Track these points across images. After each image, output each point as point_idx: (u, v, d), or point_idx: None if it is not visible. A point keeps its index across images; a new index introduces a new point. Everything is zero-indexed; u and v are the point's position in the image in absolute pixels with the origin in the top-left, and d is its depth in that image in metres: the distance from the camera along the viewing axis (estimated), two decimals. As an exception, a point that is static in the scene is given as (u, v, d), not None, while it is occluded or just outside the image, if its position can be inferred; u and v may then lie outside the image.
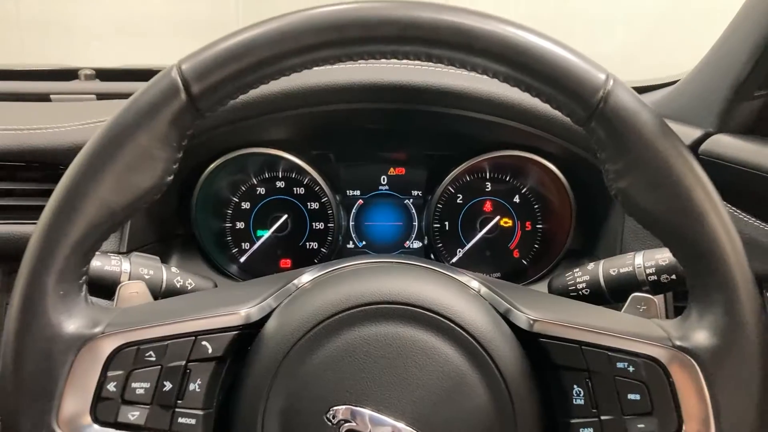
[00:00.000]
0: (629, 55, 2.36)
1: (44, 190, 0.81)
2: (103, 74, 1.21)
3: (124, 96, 1.03)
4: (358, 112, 0.85)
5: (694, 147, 0.88)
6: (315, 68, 0.54)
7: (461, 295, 0.57)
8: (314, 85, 0.82)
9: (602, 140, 0.54)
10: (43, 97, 1.11)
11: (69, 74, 1.21)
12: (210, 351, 0.55)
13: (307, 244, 0.98)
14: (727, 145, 0.85)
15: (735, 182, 0.83)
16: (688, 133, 0.89)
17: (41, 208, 0.77)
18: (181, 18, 2.72)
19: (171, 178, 0.56)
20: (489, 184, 0.97)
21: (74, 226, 0.52)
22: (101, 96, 1.11)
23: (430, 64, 0.78)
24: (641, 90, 1.04)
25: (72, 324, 0.53)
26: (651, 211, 0.54)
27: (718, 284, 0.52)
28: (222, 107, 0.55)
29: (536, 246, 0.97)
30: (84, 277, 0.55)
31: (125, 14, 2.69)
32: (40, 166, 0.82)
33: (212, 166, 0.91)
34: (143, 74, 1.19)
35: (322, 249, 0.98)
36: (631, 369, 0.53)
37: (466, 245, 0.97)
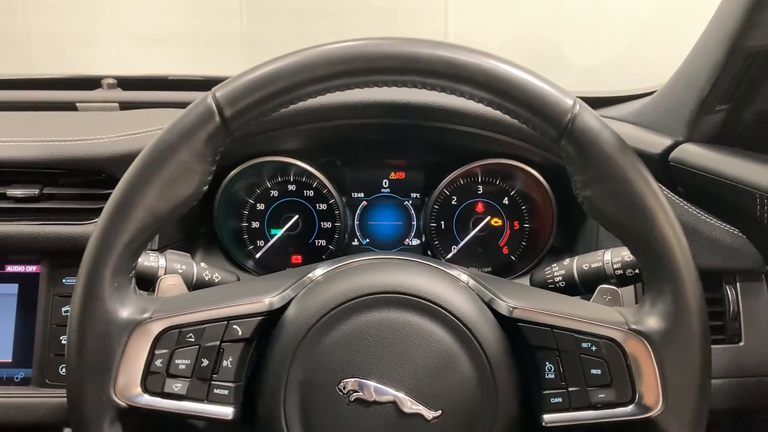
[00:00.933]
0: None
1: (84, 195, 0.91)
2: (124, 83, 1.29)
3: (146, 105, 1.13)
4: (363, 126, 0.95)
5: (665, 154, 0.98)
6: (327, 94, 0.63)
7: (452, 286, 0.67)
8: (326, 104, 0.91)
9: (570, 156, 0.63)
10: (70, 106, 1.19)
11: (92, 83, 1.29)
12: (240, 333, 0.64)
13: (316, 241, 1.08)
14: (694, 153, 0.95)
15: (701, 187, 0.93)
16: (660, 142, 0.98)
17: (81, 210, 0.89)
18: (187, 31, 2.77)
19: (206, 187, 0.66)
20: (481, 187, 1.06)
21: (126, 229, 0.62)
22: (124, 105, 1.19)
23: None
24: (618, 100, 1.14)
25: (125, 311, 0.63)
26: (611, 215, 0.63)
27: (667, 277, 0.62)
28: (249, 127, 0.65)
29: (524, 243, 1.07)
30: (133, 272, 0.65)
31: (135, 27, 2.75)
32: (80, 174, 0.91)
33: (233, 172, 1.01)
34: (162, 83, 1.29)
35: (330, 246, 1.08)
36: (593, 348, 0.63)
37: (460, 242, 1.07)
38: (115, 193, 0.63)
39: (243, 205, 1.06)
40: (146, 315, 0.64)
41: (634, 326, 0.63)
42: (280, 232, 1.07)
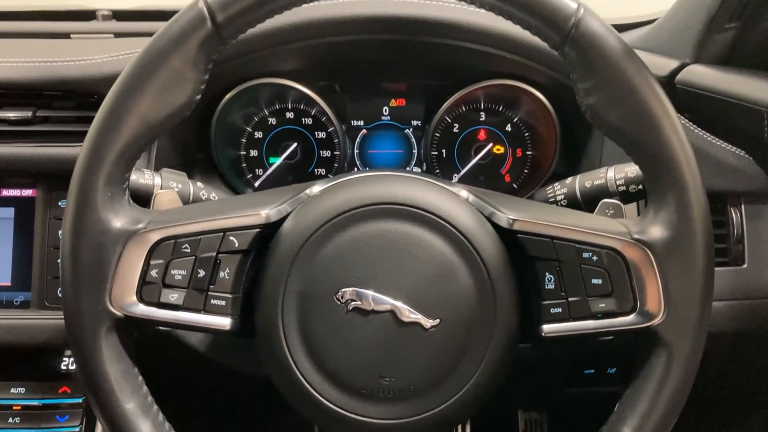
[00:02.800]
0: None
1: (78, 117, 0.89)
2: (120, 15, 1.27)
3: (143, 34, 1.11)
4: (361, 43, 0.92)
5: (671, 77, 0.95)
6: (320, 1, 0.61)
7: (451, 198, 0.66)
8: (320, 18, 0.88)
9: (574, 62, 0.61)
10: (63, 36, 1.17)
11: (86, 15, 1.26)
12: (236, 245, 0.64)
13: (315, 170, 1.07)
14: (701, 74, 0.92)
15: (707, 110, 0.91)
16: (666, 64, 0.96)
17: (76, 133, 0.87)
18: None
19: (199, 97, 0.64)
20: (483, 114, 1.04)
21: (119, 136, 0.61)
22: (119, 35, 1.16)
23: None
24: (622, 28, 1.11)
25: (119, 221, 0.62)
26: (615, 123, 0.62)
27: (672, 185, 0.61)
28: (242, 34, 0.63)
29: (526, 171, 1.05)
30: (127, 182, 0.64)
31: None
32: (74, 96, 0.90)
33: (228, 96, 0.98)
34: (159, 15, 1.26)
35: (329, 175, 1.07)
36: (594, 258, 0.63)
37: (461, 171, 1.05)
38: (107, 100, 0.61)
39: (240, 133, 1.05)
40: (141, 225, 0.63)
41: (636, 236, 0.62)
42: (278, 161, 1.05)
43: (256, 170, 1.06)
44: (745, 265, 0.88)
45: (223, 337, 0.82)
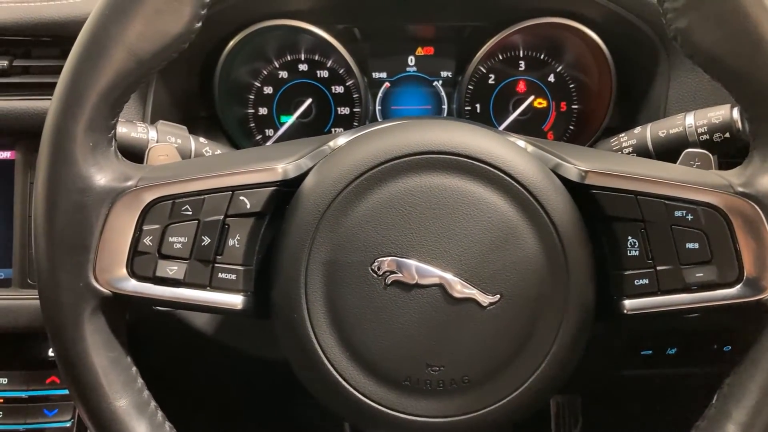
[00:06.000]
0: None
1: (61, 67, 0.78)
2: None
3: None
4: None
5: None
6: None
7: (509, 147, 0.54)
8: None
9: None
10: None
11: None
12: (248, 206, 0.53)
13: (333, 130, 0.95)
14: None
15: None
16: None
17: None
18: None
19: (199, 25, 0.53)
20: (523, 63, 0.92)
21: (101, 73, 0.49)
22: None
23: None
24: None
25: (103, 177, 0.51)
26: (712, 49, 0.50)
27: None
28: None
29: (571, 127, 0.93)
30: (113, 131, 0.52)
31: None
32: (56, 42, 0.78)
33: (233, 41, 0.86)
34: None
35: (350, 134, 0.95)
36: (689, 217, 0.51)
37: (498, 128, 0.93)
38: (86, 27, 0.50)
39: (248, 89, 0.93)
40: (131, 183, 0.52)
41: (741, 188, 0.51)
42: (290, 119, 0.94)
43: (266, 130, 0.95)
44: None
45: (235, 318, 0.71)
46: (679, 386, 0.98)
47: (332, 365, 0.51)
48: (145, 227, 0.51)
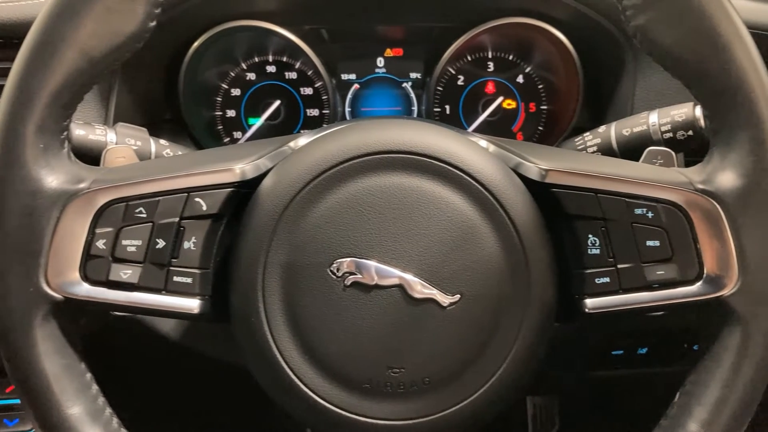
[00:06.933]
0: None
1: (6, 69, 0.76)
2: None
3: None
4: None
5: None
6: None
7: (469, 146, 0.53)
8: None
9: None
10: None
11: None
12: (204, 208, 0.51)
13: (302, 132, 0.94)
14: (744, 8, 0.81)
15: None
16: None
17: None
18: None
19: (153, 24, 0.52)
20: (491, 64, 0.91)
21: (52, 73, 0.48)
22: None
23: None
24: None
25: (54, 179, 0.49)
26: (671, 47, 0.50)
27: (743, 121, 0.49)
28: None
29: (541, 128, 0.93)
30: (65, 133, 0.51)
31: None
32: (5, 44, 0.76)
33: (197, 42, 0.85)
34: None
35: (318, 136, 0.94)
36: (650, 215, 0.51)
37: (467, 129, 0.93)
38: (36, 26, 0.49)
39: (215, 91, 0.92)
40: (83, 185, 0.50)
41: (701, 186, 0.50)
42: (259, 122, 0.93)
43: (234, 133, 0.93)
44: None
45: (194, 323, 0.70)
46: (653, 385, 0.98)
47: (291, 369, 0.50)
48: (98, 230, 0.50)
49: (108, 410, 0.52)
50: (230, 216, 0.53)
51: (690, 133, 0.65)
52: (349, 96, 0.94)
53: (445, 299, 0.50)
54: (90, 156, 0.64)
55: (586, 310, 0.51)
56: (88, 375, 0.52)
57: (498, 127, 0.93)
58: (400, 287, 0.50)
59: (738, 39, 0.48)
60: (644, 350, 0.89)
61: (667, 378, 0.92)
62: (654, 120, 0.67)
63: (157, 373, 0.91)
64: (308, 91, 0.92)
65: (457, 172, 0.51)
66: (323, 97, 0.92)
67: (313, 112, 0.93)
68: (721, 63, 0.49)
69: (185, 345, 0.78)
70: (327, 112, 0.92)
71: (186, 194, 0.51)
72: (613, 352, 0.89)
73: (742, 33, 0.49)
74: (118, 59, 0.51)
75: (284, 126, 0.93)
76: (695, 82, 0.51)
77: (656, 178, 0.52)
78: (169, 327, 0.78)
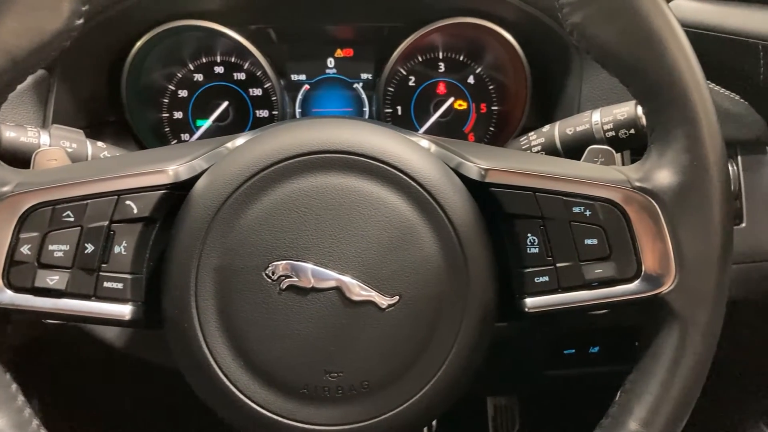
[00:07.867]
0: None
1: None
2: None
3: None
4: None
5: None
6: None
7: (409, 146, 0.53)
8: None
9: None
10: None
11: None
12: (135, 211, 0.50)
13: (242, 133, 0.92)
14: (687, 8, 0.82)
15: (696, 46, 0.80)
16: None
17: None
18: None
19: (80, 22, 0.50)
20: (442, 65, 0.91)
21: None
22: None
23: None
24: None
25: None
26: (607, 44, 0.50)
27: (679, 119, 0.49)
28: None
29: (491, 128, 0.93)
30: None
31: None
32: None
33: (140, 42, 0.83)
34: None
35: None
36: (587, 213, 0.51)
37: (419, 130, 0.92)
38: None
39: (162, 93, 0.90)
40: (6, 188, 0.49)
41: (638, 183, 0.50)
42: (207, 123, 0.91)
43: (182, 135, 0.91)
44: (744, 224, 0.77)
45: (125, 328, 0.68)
46: (609, 384, 0.99)
47: (226, 376, 0.49)
48: (23, 235, 0.48)
49: (35, 422, 0.50)
50: (164, 219, 0.51)
51: (632, 131, 0.66)
52: (300, 97, 0.93)
53: (383, 301, 0.49)
54: (22, 159, 0.62)
55: (526, 309, 0.51)
56: (14, 386, 0.50)
57: (450, 128, 0.93)
58: (337, 290, 0.49)
59: (672, 36, 0.49)
60: (596, 349, 0.90)
61: (622, 377, 0.93)
62: (596, 119, 0.68)
63: (99, 380, 0.89)
64: (257, 92, 0.91)
65: (395, 172, 0.50)
66: (272, 98, 0.90)
67: (263, 114, 0.92)
68: (656, 60, 0.49)
69: (127, 352, 0.76)
70: (276, 113, 0.91)
71: (116, 197, 0.50)
72: (565, 351, 0.89)
73: (676, 30, 0.49)
74: (43, 59, 0.49)
75: (233, 127, 0.91)
76: (631, 80, 0.51)
77: (594, 176, 0.51)
78: (112, 333, 0.76)
